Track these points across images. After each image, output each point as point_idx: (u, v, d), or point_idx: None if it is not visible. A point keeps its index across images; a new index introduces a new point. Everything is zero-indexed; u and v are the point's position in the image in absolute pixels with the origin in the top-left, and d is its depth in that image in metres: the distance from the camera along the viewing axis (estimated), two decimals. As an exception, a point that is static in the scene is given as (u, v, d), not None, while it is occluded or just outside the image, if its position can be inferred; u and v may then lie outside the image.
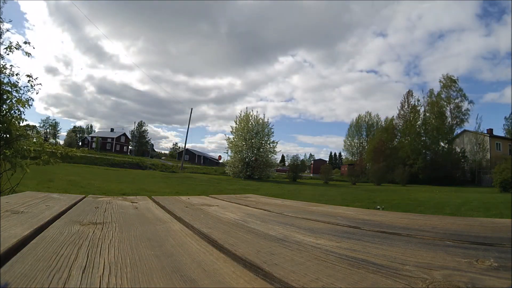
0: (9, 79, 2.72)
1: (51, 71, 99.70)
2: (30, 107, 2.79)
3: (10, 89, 2.63)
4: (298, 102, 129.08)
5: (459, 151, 30.83)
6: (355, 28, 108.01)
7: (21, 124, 2.64)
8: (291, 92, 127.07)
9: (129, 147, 65.25)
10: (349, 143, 46.84)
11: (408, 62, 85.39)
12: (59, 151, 2.87)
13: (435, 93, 33.66)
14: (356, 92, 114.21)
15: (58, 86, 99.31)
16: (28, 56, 2.89)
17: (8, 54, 2.77)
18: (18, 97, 2.65)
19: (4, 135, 2.48)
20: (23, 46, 2.85)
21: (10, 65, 2.77)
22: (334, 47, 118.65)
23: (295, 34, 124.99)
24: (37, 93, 2.89)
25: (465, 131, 32.80)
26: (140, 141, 68.00)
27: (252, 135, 22.06)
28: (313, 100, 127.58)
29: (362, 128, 45.77)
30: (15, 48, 2.80)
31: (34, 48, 2.98)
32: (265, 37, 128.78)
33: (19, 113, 2.60)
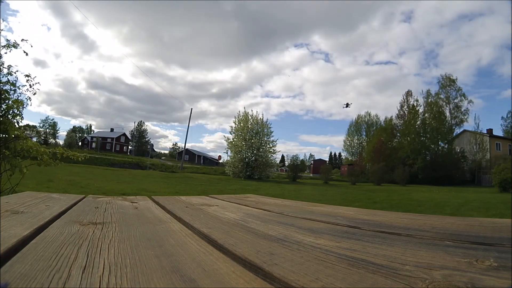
0: (7, 78, 2.71)
1: (40, 63, 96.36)
2: (28, 105, 2.78)
3: (8, 88, 2.62)
4: (306, 96, 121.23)
5: (458, 151, 30.85)
6: (379, 8, 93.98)
7: (20, 124, 2.63)
8: (300, 85, 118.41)
9: (129, 147, 65.17)
10: (348, 143, 46.89)
11: (430, 51, 77.41)
12: (60, 153, 2.86)
13: (433, 93, 33.70)
14: (371, 86, 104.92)
15: (49, 81, 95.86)
16: (27, 55, 2.87)
17: (6, 53, 2.76)
18: (16, 97, 2.64)
19: (3, 135, 2.47)
20: (21, 43, 2.81)
21: (9, 65, 2.76)
22: (354, 31, 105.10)
23: (310, 15, 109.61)
24: (34, 94, 2.87)
25: (464, 131, 32.82)
26: (140, 141, 67.90)
27: (252, 135, 22.07)
28: (323, 95, 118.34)
29: (361, 128, 45.81)
30: (13, 46, 2.77)
31: (32, 46, 2.94)
32: (275, 18, 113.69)
33: (18, 112, 2.59)
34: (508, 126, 35.79)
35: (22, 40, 2.82)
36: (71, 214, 0.87)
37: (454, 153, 30.59)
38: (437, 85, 36.12)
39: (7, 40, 2.78)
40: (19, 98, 2.64)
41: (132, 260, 0.46)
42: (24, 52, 2.82)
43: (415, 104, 34.01)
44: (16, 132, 2.50)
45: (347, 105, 38.37)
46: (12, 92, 2.66)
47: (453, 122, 32.79)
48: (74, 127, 73.48)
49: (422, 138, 32.17)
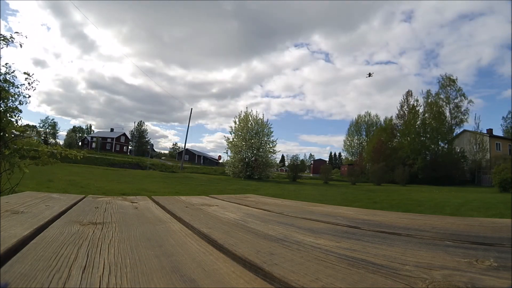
0: (5, 77, 2.70)
1: (39, 63, 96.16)
2: (27, 103, 2.78)
3: (6, 86, 2.62)
4: (306, 96, 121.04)
5: (458, 151, 30.84)
6: (379, 7, 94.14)
7: (19, 123, 2.63)
8: (300, 85, 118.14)
9: (129, 147, 65.13)
10: (348, 143, 46.90)
11: (430, 50, 77.00)
12: (58, 152, 2.85)
13: (433, 93, 33.70)
14: (372, 86, 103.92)
15: (49, 81, 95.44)
16: (21, 47, 2.84)
17: (2, 48, 2.74)
18: (14, 92, 2.64)
19: (2, 134, 2.47)
20: (15, 37, 2.77)
21: (6, 63, 2.75)
22: (355, 31, 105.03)
23: (310, 15, 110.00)
24: (34, 89, 2.87)
25: (465, 131, 32.82)
26: (140, 141, 67.86)
27: (252, 135, 22.07)
28: (323, 94, 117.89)
29: (361, 128, 45.81)
30: (9, 40, 2.74)
31: (26, 37, 2.90)
32: (275, 18, 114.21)
33: (17, 112, 2.59)
34: (508, 126, 35.82)
35: (16, 32, 2.78)
36: (71, 214, 0.87)
37: (454, 153, 30.58)
38: (437, 85, 36.18)
39: (0, 34, 2.75)
40: (16, 96, 2.64)
41: (132, 260, 0.46)
42: (20, 44, 2.80)
43: (415, 104, 34.01)
44: (14, 129, 2.49)
45: (369, 74, 38.70)
46: (11, 90, 2.67)
47: (453, 122, 32.79)
48: (74, 127, 73.40)
49: (422, 138, 32.15)
